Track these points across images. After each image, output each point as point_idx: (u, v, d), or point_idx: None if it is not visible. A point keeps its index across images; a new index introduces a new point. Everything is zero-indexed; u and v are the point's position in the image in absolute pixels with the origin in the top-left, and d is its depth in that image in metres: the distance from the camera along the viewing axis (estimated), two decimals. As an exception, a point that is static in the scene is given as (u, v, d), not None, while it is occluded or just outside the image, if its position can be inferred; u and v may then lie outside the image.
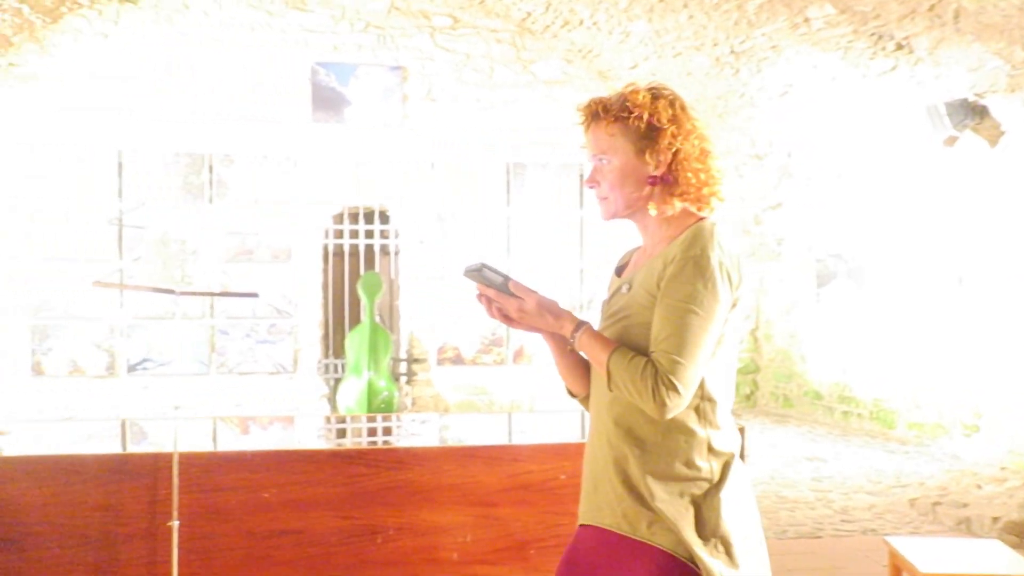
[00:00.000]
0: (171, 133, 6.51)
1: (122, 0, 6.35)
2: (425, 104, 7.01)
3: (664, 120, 1.75)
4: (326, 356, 7.02)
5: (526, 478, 2.73)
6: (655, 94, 1.78)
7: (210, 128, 6.58)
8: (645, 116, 1.76)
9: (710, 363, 1.70)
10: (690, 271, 1.67)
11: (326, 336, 7.05)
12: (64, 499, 2.56)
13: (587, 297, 7.32)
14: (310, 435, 3.72)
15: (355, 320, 6.92)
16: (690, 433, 1.71)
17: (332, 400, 6.95)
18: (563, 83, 7.18)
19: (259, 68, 6.68)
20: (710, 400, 1.72)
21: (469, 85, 7.06)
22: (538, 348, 7.20)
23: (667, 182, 1.77)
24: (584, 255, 7.27)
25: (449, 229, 7.06)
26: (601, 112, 1.75)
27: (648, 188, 1.78)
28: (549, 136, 7.11)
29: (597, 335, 1.76)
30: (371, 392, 6.46)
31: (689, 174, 1.77)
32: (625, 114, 1.77)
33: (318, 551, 2.64)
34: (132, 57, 6.47)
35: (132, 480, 2.59)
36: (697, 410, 1.72)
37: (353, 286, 6.93)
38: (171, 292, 2.55)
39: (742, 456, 1.86)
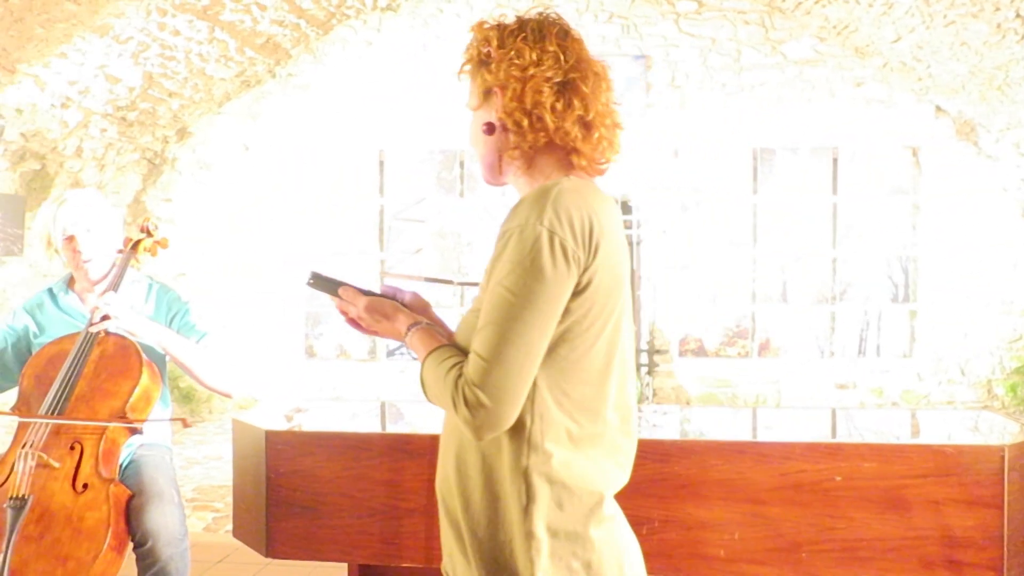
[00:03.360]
0: (427, 131, 6.87)
1: (384, 9, 6.78)
2: (669, 91, 6.91)
3: (490, 50, 1.41)
4: (569, 345, 7.12)
5: (798, 477, 2.61)
6: (499, 22, 1.44)
7: (462, 125, 6.87)
8: (474, 49, 1.45)
9: (548, 365, 1.33)
10: (512, 247, 1.31)
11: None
12: (354, 473, 2.77)
13: (840, 288, 6.90)
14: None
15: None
16: (498, 449, 1.35)
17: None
18: (815, 62, 6.81)
19: (506, 65, 6.88)
20: (540, 415, 1.33)
21: (715, 70, 6.87)
22: (786, 340, 6.89)
23: (505, 130, 1.42)
24: (837, 244, 6.86)
25: (693, 218, 6.93)
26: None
27: (486, 140, 1.47)
28: (800, 118, 6.78)
29: (429, 335, 1.44)
30: (614, 382, 6.49)
31: (519, 116, 1.39)
32: (466, 52, 1.48)
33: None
34: (392, 61, 6.90)
35: (413, 459, 2.75)
36: (516, 428, 1.33)
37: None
38: (449, 283, 2.68)
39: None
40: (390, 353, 6.97)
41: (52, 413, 2.42)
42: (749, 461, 2.60)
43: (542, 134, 1.40)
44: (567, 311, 1.32)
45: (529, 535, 1.34)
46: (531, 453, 1.34)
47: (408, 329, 1.46)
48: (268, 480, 2.77)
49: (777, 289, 6.92)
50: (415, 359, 1.47)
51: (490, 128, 1.46)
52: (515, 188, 1.49)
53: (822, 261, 6.89)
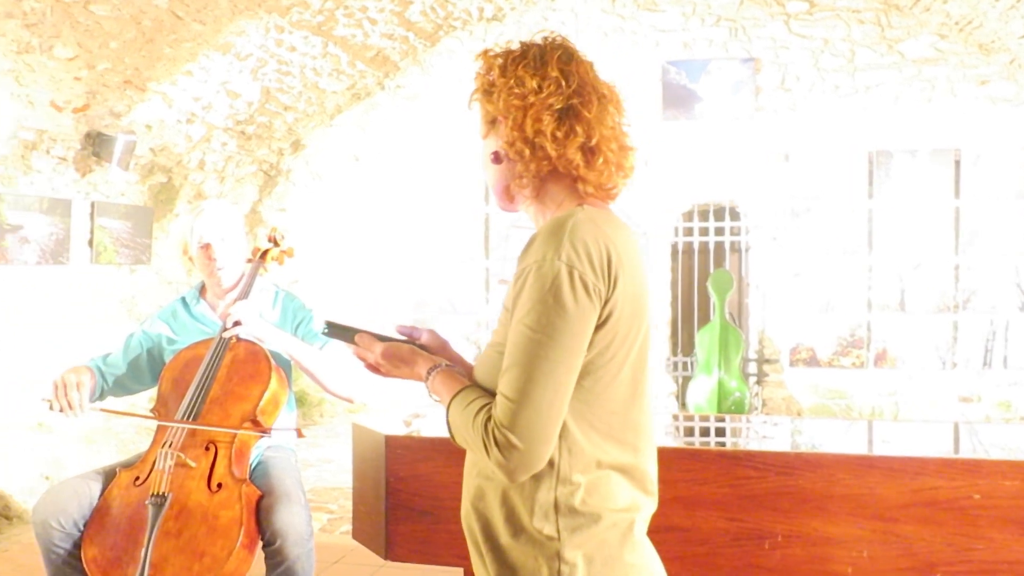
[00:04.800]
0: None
1: (489, 19, 6.86)
2: (779, 95, 6.75)
3: (493, 78, 1.40)
4: (674, 354, 7.03)
5: (932, 494, 2.49)
6: (505, 49, 1.43)
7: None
8: (480, 78, 1.44)
9: (575, 398, 1.30)
10: (531, 284, 1.28)
11: (674, 334, 7.06)
12: (471, 479, 2.81)
13: (963, 297, 6.59)
14: (657, 432, 3.72)
15: (703, 318, 6.86)
16: (531, 487, 1.32)
17: (681, 398, 6.95)
18: (935, 61, 6.53)
19: (611, 72, 6.85)
20: (568, 449, 1.31)
21: (827, 71, 6.67)
22: (904, 351, 6.62)
23: (511, 159, 1.41)
24: (960, 250, 6.55)
25: (804, 224, 6.74)
26: None
27: (494, 169, 1.45)
28: (919, 119, 6.51)
29: (451, 377, 1.41)
30: (722, 392, 6.37)
31: (520, 145, 1.37)
32: (474, 81, 1.47)
33: (704, 550, 2.63)
34: (497, 71, 6.97)
35: (530, 466, 2.77)
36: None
37: (702, 284, 6.87)
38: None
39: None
40: (495, 360, 7.03)
41: (189, 415, 2.53)
42: (879, 476, 2.50)
43: (545, 162, 1.38)
44: (591, 344, 1.30)
45: (566, 564, 1.33)
46: (559, 486, 1.33)
47: (428, 373, 1.44)
48: (388, 484, 2.83)
49: (894, 297, 6.65)
50: (437, 402, 1.44)
51: (496, 157, 1.44)
52: (527, 215, 1.48)
53: (943, 268, 6.59)
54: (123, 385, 2.77)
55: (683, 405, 6.83)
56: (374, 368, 1.54)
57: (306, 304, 2.95)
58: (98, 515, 2.47)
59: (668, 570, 2.72)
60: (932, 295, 6.59)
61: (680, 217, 6.96)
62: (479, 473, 1.41)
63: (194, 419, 2.52)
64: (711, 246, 6.94)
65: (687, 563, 2.64)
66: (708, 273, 6.74)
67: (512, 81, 1.39)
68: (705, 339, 6.47)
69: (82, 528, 2.46)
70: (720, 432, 3.57)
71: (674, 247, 6.99)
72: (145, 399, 4.92)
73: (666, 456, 2.73)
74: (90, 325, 5.55)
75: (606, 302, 1.30)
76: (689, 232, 6.97)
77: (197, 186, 6.37)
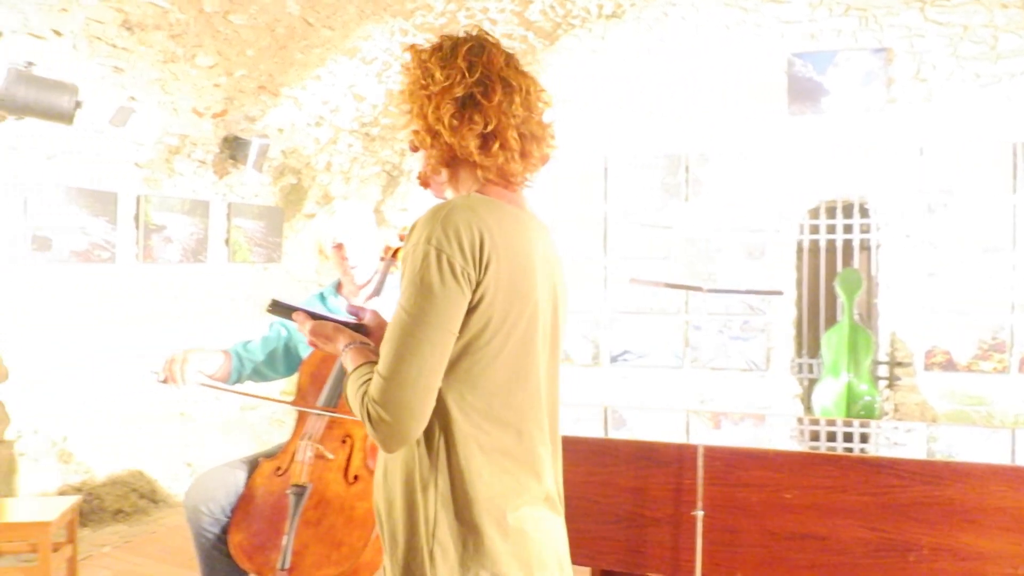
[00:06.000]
0: (651, 136, 6.83)
1: (608, 17, 6.82)
2: (913, 85, 6.44)
3: (411, 71, 1.50)
4: (799, 355, 6.81)
5: (1097, 510, 2.33)
6: (430, 44, 1.52)
7: (688, 129, 6.77)
8: (404, 71, 1.55)
9: (453, 379, 1.37)
10: (407, 267, 1.38)
11: (799, 334, 6.84)
12: (599, 478, 2.79)
13: (1120, 298, 6.12)
14: (782, 435, 3.62)
15: (830, 319, 6.62)
16: (412, 459, 1.41)
17: (805, 401, 6.73)
18: (1090, 45, 6.09)
19: (734, 66, 6.70)
20: (445, 427, 1.38)
21: (966, 59, 6.32)
22: (1052, 356, 6.20)
23: (422, 148, 1.51)
24: (1117, 248, 6.09)
25: (940, 221, 6.40)
26: None
27: (416, 158, 1.55)
28: (1070, 109, 6.09)
29: (360, 353, 1.51)
30: (850, 396, 6.13)
31: (423, 134, 1.47)
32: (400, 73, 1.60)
33: (843, 560, 2.53)
34: (616, 68, 6.92)
35: (659, 467, 2.73)
36: (427, 437, 1.39)
37: (828, 283, 6.63)
38: (699, 289, 2.63)
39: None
40: (613, 359, 6.98)
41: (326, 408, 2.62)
42: (1038, 489, 2.35)
43: (445, 149, 1.46)
44: (465, 326, 1.37)
45: (439, 544, 1.38)
46: (438, 463, 1.39)
47: (344, 348, 1.54)
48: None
49: (1041, 298, 6.24)
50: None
51: (412, 146, 1.53)
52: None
53: (1097, 267, 6.14)
54: (260, 372, 2.89)
55: (808, 408, 6.61)
56: (311, 343, 1.64)
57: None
58: (243, 503, 2.59)
59: (804, 579, 2.63)
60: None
61: (806, 215, 6.73)
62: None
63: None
64: (839, 244, 6.69)
65: (824, 572, 2.55)
66: (835, 272, 6.49)
67: (422, 73, 1.48)
68: (833, 340, 6.24)
69: (229, 514, 2.58)
70: (848, 437, 3.43)
71: (799, 245, 6.77)
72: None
73: (800, 461, 2.65)
74: (225, 320, 5.82)
75: (477, 285, 1.36)
76: (815, 230, 6.74)
77: (324, 187, 6.59)
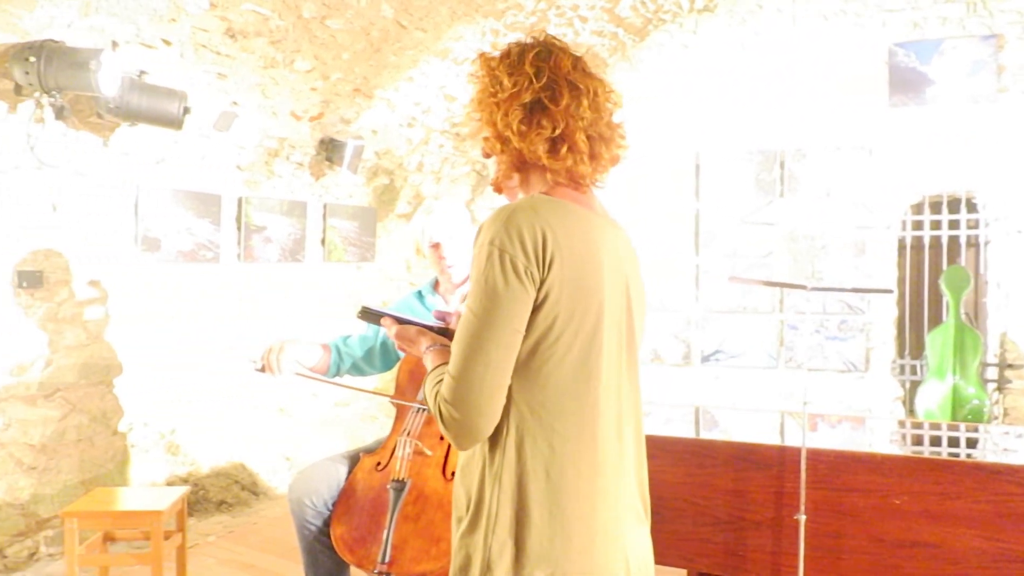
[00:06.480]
0: (745, 132, 6.69)
1: (700, 11, 6.71)
2: (1026, 73, 6.13)
3: (480, 79, 1.52)
4: (901, 356, 6.57)
5: None
6: (499, 52, 1.53)
7: (783, 123, 6.61)
8: (473, 79, 1.56)
9: (522, 378, 1.38)
10: (473, 268, 1.40)
11: (901, 334, 6.60)
12: (697, 480, 2.75)
13: None
14: (882, 438, 3.49)
15: (934, 318, 6.37)
16: (479, 463, 1.44)
17: (907, 403, 6.49)
18: None
19: (832, 58, 6.51)
20: (515, 426, 1.39)
21: (1086, 45, 5.98)
22: None
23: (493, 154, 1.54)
24: None
25: (1056, 215, 6.08)
26: None
27: (491, 164, 1.57)
28: None
29: (439, 355, 1.55)
30: (956, 399, 5.88)
31: (493, 140, 1.50)
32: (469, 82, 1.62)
33: (956, 571, 2.43)
34: (708, 63, 6.80)
35: (759, 470, 2.67)
36: (496, 434, 1.40)
37: (932, 281, 6.38)
38: (802, 288, 2.56)
39: None
40: (705, 359, 6.88)
41: (424, 408, 2.66)
42: None
43: (515, 154, 1.49)
44: (532, 325, 1.38)
45: (498, 539, 1.40)
46: (504, 460, 1.40)
47: (425, 350, 1.60)
48: (611, 480, 2.83)
49: None
50: None
51: (485, 153, 1.56)
52: None
53: None
54: (357, 367, 2.95)
55: (911, 411, 6.37)
56: (398, 346, 1.71)
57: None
58: (345, 496, 2.64)
59: (913, 588, 2.53)
60: None
61: (909, 210, 6.49)
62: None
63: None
64: (944, 240, 6.43)
65: (936, 582, 2.45)
66: (940, 270, 6.24)
67: (491, 81, 1.51)
68: (937, 341, 6.00)
69: (331, 507, 2.65)
70: (954, 442, 3.29)
71: (901, 242, 6.52)
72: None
73: (911, 465, 2.56)
74: (321, 319, 5.96)
75: (541, 283, 1.37)
76: (919, 226, 6.48)
77: (416, 187, 6.68)
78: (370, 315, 1.86)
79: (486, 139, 1.53)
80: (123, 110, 4.00)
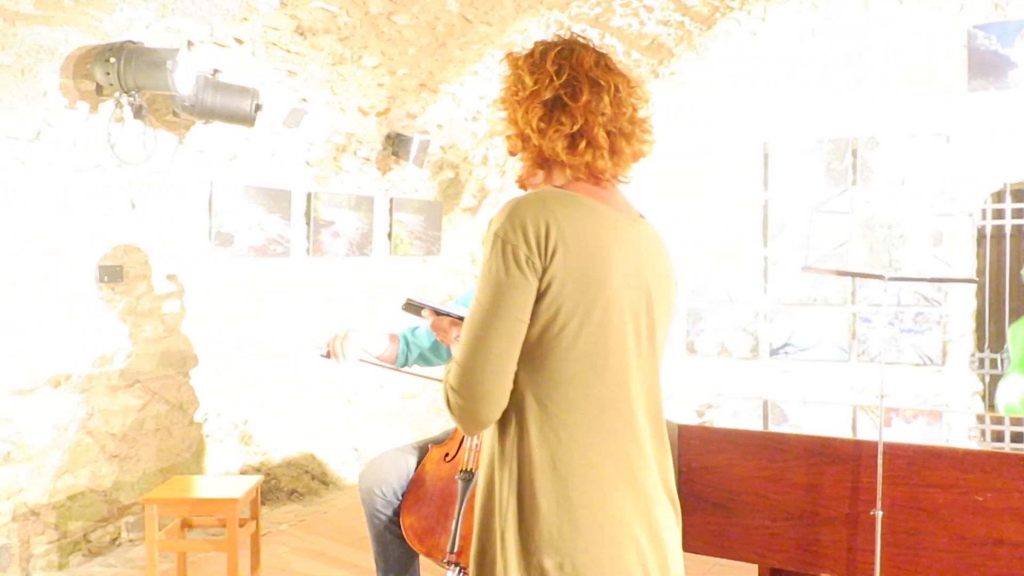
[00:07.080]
0: (815, 120, 6.54)
1: (769, -3, 6.58)
2: (1116, 54, 5.85)
3: (505, 78, 1.56)
4: (980, 349, 6.35)
5: None
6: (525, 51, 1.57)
7: (854, 111, 6.44)
8: (501, 79, 1.60)
9: (528, 367, 1.40)
10: (482, 259, 1.43)
11: (980, 327, 6.38)
12: (769, 474, 2.71)
13: None
14: (959, 434, 3.38)
15: (1016, 310, 6.13)
16: (490, 452, 1.47)
17: (986, 398, 6.27)
18: None
19: (907, 42, 6.31)
20: (522, 415, 1.41)
21: None
22: None
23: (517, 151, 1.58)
24: None
25: None
26: None
27: (516, 160, 1.60)
28: None
29: None
30: (1040, 393, 5.66)
31: (514, 138, 1.54)
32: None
33: (1042, 570, 2.35)
34: (777, 50, 6.67)
35: (834, 464, 2.61)
36: (505, 423, 1.42)
37: (1014, 272, 6.15)
38: (880, 277, 2.50)
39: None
40: (773, 352, 6.75)
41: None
42: None
43: (535, 151, 1.51)
44: (535, 314, 1.39)
45: (508, 527, 1.41)
46: (512, 450, 1.42)
47: (454, 340, 1.66)
48: (680, 474, 2.81)
49: None
50: None
51: (509, 150, 1.59)
52: None
53: None
54: (425, 358, 2.98)
55: (990, 406, 6.16)
56: (439, 338, 1.82)
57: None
58: (414, 486, 2.68)
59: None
60: None
61: (989, 198, 6.26)
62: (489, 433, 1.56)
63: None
64: (1026, 230, 6.19)
65: (1021, 582, 2.37)
66: (1022, 260, 6.01)
67: (515, 80, 1.53)
68: (1020, 334, 5.75)
69: (400, 497, 2.68)
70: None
71: (980, 231, 6.30)
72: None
73: (995, 461, 2.47)
74: (388, 312, 6.04)
75: (544, 272, 1.38)
76: (999, 214, 6.26)
77: (480, 180, 6.71)
78: (413, 307, 1.94)
79: (509, 137, 1.57)
80: (198, 108, 4.10)
